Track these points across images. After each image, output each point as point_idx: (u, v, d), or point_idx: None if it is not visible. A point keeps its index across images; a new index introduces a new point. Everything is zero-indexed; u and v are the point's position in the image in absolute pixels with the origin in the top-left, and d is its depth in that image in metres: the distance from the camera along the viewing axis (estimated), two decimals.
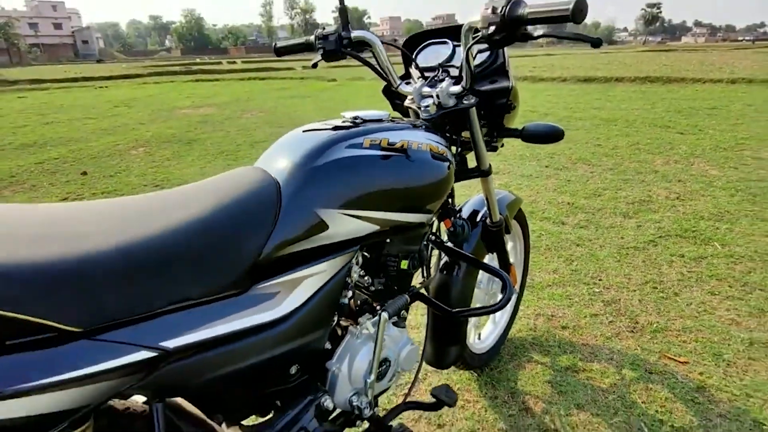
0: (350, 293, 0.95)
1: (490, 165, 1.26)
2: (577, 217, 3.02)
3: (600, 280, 2.25)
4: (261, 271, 0.73)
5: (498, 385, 1.59)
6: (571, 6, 0.76)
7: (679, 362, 1.67)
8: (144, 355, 0.57)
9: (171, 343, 0.60)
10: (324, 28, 1.13)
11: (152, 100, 10.99)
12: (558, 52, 37.15)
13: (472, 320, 1.58)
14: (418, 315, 1.98)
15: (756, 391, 1.52)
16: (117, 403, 0.69)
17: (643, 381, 1.59)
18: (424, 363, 1.39)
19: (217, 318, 0.66)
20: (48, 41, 65.39)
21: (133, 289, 0.57)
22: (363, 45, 1.15)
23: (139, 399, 0.76)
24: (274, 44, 1.23)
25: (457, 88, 1.10)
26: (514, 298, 1.76)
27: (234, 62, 31.41)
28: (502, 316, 1.75)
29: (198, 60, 40.86)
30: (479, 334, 1.68)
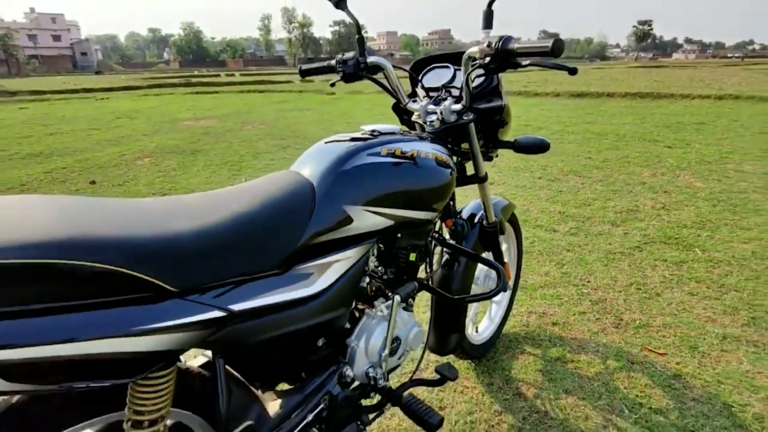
0: (367, 279, 1.11)
1: (486, 173, 1.43)
2: (567, 225, 3.20)
3: (588, 282, 2.41)
4: (300, 255, 0.89)
5: (494, 374, 1.74)
6: (550, 44, 0.95)
7: (659, 354, 1.83)
8: (216, 314, 0.72)
9: (235, 307, 0.75)
10: (344, 54, 1.31)
11: (153, 112, 11.14)
12: None
13: (470, 315, 1.73)
14: (420, 312, 2.14)
15: (727, 379, 1.68)
16: (180, 364, 0.85)
17: (626, 370, 1.74)
18: (427, 351, 1.55)
19: (267, 290, 0.82)
20: (47, 53, 65.76)
21: (210, 263, 0.73)
22: (377, 68, 1.33)
23: (196, 363, 0.92)
24: (299, 67, 1.40)
25: (457, 106, 1.28)
26: (508, 293, 1.92)
27: (232, 75, 31.76)
28: (497, 312, 1.91)
29: (196, 72, 41.22)
30: (476, 328, 1.83)
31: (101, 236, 0.61)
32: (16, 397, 0.66)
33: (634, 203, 3.62)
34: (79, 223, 0.62)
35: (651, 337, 1.94)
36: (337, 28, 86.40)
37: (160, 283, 0.65)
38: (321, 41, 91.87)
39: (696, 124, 7.38)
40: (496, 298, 1.91)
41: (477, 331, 1.82)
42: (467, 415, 1.54)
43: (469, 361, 1.80)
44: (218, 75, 32.27)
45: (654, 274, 2.47)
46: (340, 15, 1.36)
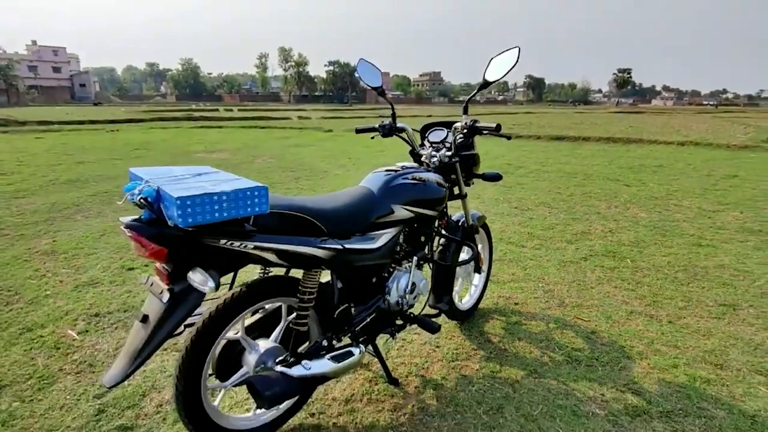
0: (398, 248, 1.96)
1: (466, 192, 2.31)
2: (533, 242, 4.08)
3: (543, 279, 3.27)
4: (370, 227, 1.74)
5: (472, 330, 2.56)
6: (494, 125, 1.87)
7: (584, 321, 2.67)
8: (338, 246, 1.56)
9: (345, 245, 1.60)
10: (384, 121, 2.20)
11: (165, 144, 11.91)
12: (537, 111, 39.90)
13: (456, 288, 2.57)
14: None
15: (626, 334, 2.52)
16: None
17: (560, 329, 2.58)
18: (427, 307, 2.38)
19: (356, 241, 1.66)
20: (46, 83, 67.18)
21: (338, 224, 1.58)
22: (402, 129, 2.23)
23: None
24: (356, 128, 2.30)
25: (449, 153, 2.17)
26: (483, 278, 2.76)
27: (231, 110, 33.10)
28: (475, 293, 2.75)
29: (194, 106, 42.61)
30: (461, 300, 2.67)
31: (307, 206, 1.47)
32: (259, 275, 1.51)
33: (588, 227, 4.53)
34: (296, 200, 1.48)
35: (582, 312, 2.79)
36: (331, 68, 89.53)
37: (323, 228, 1.50)
38: (316, 80, 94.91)
39: (655, 166, 8.45)
40: (474, 282, 2.76)
41: (461, 302, 2.65)
42: (454, 350, 2.35)
43: (456, 322, 2.62)
44: (217, 109, 33.52)
45: (592, 275, 3.34)
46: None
